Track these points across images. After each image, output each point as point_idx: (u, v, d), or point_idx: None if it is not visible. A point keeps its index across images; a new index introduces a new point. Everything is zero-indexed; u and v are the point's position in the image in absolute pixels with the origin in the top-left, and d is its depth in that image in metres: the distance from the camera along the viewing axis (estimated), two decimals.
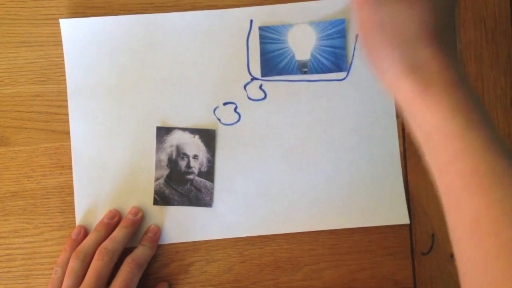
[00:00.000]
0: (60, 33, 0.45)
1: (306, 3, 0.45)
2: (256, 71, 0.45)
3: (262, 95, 0.45)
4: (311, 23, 0.45)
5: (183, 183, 0.44)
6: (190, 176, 0.44)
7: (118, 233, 0.42)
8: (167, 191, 0.44)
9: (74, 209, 0.44)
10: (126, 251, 0.42)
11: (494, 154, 0.27)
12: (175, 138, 0.45)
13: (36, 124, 0.45)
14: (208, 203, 0.44)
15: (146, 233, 0.44)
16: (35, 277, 0.44)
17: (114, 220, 0.43)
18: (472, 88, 0.29)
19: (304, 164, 0.45)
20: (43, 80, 0.45)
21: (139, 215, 0.44)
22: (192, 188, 0.44)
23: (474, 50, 0.46)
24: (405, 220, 0.45)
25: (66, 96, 0.45)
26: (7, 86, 0.45)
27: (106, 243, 0.41)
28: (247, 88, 0.45)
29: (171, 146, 0.44)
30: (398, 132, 0.45)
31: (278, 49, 0.45)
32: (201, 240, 0.44)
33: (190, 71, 0.45)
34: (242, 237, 0.45)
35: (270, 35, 0.45)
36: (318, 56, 0.45)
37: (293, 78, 0.45)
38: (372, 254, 0.45)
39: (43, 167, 0.45)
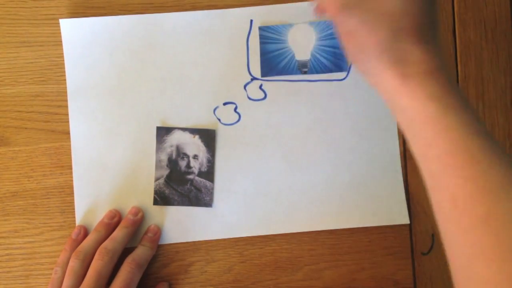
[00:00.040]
0: (60, 33, 0.45)
1: (306, 3, 0.45)
2: (256, 71, 0.45)
3: (262, 95, 0.45)
4: (311, 23, 0.45)
5: (183, 183, 0.44)
6: (190, 176, 0.44)
7: (118, 233, 0.42)
8: (167, 191, 0.44)
9: (74, 209, 0.44)
10: (126, 251, 0.42)
11: (468, 135, 0.29)
12: (175, 138, 0.45)
13: (36, 124, 0.45)
14: (208, 203, 0.44)
15: (146, 233, 0.44)
16: (35, 277, 0.44)
17: (114, 220, 0.43)
18: (450, 76, 0.31)
19: (304, 164, 0.45)
20: (43, 80, 0.45)
21: (139, 215, 0.44)
22: (192, 188, 0.44)
23: (474, 50, 0.46)
24: (405, 220, 0.45)
25: (66, 96, 0.45)
26: (7, 86, 0.45)
27: (106, 243, 0.41)
28: (247, 88, 0.45)
29: (171, 146, 0.45)
30: (398, 132, 0.45)
31: (278, 49, 0.45)
32: (201, 240, 0.44)
33: (190, 71, 0.45)
34: (242, 237, 0.45)
35: (270, 35, 0.45)
36: (318, 56, 0.45)
37: (293, 78, 0.45)
38: (372, 254, 0.45)
39: (43, 167, 0.45)
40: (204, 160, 0.44)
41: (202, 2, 0.46)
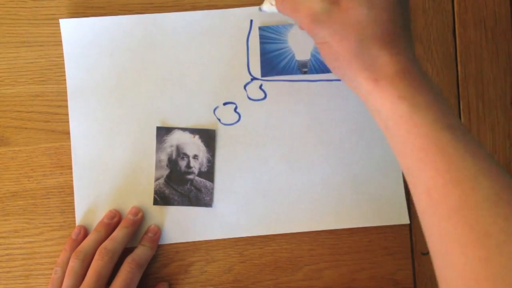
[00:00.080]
0: (60, 33, 0.45)
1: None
2: (256, 71, 0.45)
3: (262, 95, 0.45)
4: None
5: (183, 183, 0.44)
6: (190, 176, 0.44)
7: (118, 233, 0.42)
8: (167, 191, 0.44)
9: (74, 209, 0.44)
10: (126, 251, 0.42)
11: (438, 130, 0.31)
12: (175, 138, 0.45)
13: (36, 124, 0.45)
14: (208, 203, 0.44)
15: (146, 233, 0.44)
16: (35, 277, 0.44)
17: (114, 220, 0.43)
18: (421, 75, 0.33)
19: (304, 164, 0.45)
20: (43, 80, 0.45)
21: (139, 215, 0.44)
22: (192, 188, 0.44)
23: (474, 50, 0.46)
24: (405, 220, 0.45)
25: (66, 96, 0.45)
26: (7, 86, 0.45)
27: (106, 243, 0.41)
28: (247, 88, 0.45)
29: (171, 146, 0.45)
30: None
31: (278, 49, 0.45)
32: (201, 240, 0.44)
33: (190, 71, 0.45)
34: (242, 237, 0.45)
35: (270, 35, 0.45)
36: (318, 56, 0.45)
37: (293, 78, 0.45)
38: (372, 254, 0.45)
39: (43, 167, 0.45)
40: (204, 160, 0.44)
41: (202, 2, 0.46)
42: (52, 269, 0.42)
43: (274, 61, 0.45)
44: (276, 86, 0.45)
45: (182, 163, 0.44)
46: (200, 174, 0.44)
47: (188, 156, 0.44)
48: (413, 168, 0.32)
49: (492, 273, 0.27)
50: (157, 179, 0.44)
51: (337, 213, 0.45)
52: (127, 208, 0.44)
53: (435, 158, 0.30)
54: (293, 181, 0.45)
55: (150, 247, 0.43)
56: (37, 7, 0.45)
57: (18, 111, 0.45)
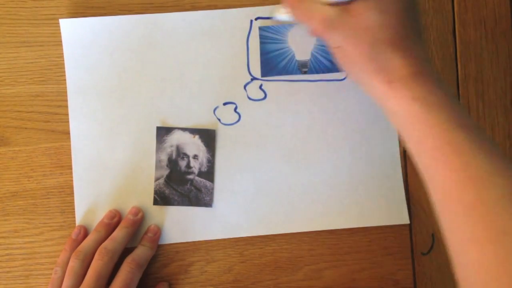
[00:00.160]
0: (60, 33, 0.45)
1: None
2: (256, 71, 0.45)
3: (262, 95, 0.45)
4: None
5: (183, 183, 0.44)
6: (190, 176, 0.44)
7: (118, 233, 0.42)
8: (167, 191, 0.44)
9: (74, 209, 0.44)
10: (126, 251, 0.42)
11: (453, 130, 0.31)
12: (175, 138, 0.45)
13: (36, 124, 0.45)
14: (208, 203, 0.44)
15: (146, 233, 0.44)
16: (35, 277, 0.44)
17: (114, 220, 0.43)
18: (433, 76, 0.34)
19: (304, 164, 0.45)
20: (43, 80, 0.45)
21: (139, 215, 0.44)
22: (192, 188, 0.44)
23: (474, 50, 0.46)
24: (405, 220, 0.45)
25: (66, 96, 0.45)
26: (7, 86, 0.45)
27: (106, 243, 0.41)
28: (247, 88, 0.45)
29: (171, 146, 0.45)
30: (398, 132, 0.45)
31: (278, 49, 0.45)
32: (201, 240, 0.44)
33: (190, 71, 0.45)
34: (242, 237, 0.45)
35: (270, 35, 0.45)
36: (318, 56, 0.45)
37: (293, 78, 0.45)
38: (372, 254, 0.45)
39: (43, 167, 0.45)
40: (204, 160, 0.44)
41: (202, 2, 0.46)
42: (52, 269, 0.42)
43: (274, 61, 0.45)
44: (276, 86, 0.45)
45: (182, 163, 0.44)
46: (200, 174, 0.44)
47: (188, 156, 0.44)
48: (429, 166, 0.33)
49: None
50: (157, 179, 0.44)
51: (337, 213, 0.45)
52: (127, 208, 0.44)
53: (450, 158, 0.31)
54: (293, 181, 0.45)
55: (150, 247, 0.43)
56: (37, 7, 0.45)
57: (18, 111, 0.45)
